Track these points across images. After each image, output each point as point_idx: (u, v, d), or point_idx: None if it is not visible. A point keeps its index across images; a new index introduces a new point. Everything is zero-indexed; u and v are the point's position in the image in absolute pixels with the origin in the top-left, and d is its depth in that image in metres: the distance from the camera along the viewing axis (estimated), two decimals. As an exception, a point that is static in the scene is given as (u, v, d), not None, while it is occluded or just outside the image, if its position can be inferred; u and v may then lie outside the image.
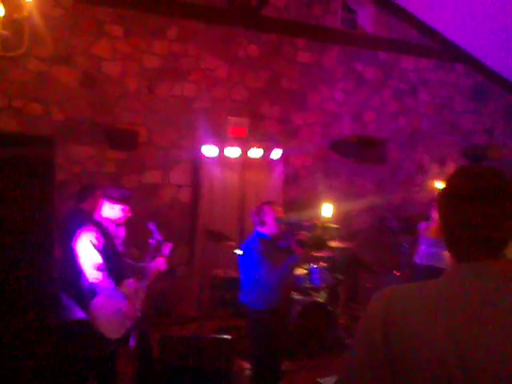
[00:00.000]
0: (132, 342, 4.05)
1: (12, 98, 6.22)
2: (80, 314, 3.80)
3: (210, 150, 7.17)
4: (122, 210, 4.26)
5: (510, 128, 10.22)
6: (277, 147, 7.65)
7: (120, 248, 4.34)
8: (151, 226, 4.53)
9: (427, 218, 6.77)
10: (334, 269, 6.73)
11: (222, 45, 7.47)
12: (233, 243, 6.66)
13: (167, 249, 4.55)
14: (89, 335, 3.72)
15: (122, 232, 4.40)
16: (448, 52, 9.27)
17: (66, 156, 6.49)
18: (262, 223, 4.51)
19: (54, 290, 3.58)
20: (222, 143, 7.25)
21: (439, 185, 9.25)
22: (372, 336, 1.55)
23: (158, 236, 4.43)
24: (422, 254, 6.69)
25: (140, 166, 7.00)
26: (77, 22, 6.50)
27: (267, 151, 7.56)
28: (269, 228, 4.51)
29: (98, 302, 4.05)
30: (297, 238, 4.50)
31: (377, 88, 8.79)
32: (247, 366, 5.72)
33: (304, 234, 4.67)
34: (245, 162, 7.53)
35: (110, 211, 4.24)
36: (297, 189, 8.15)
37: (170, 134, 7.16)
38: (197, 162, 7.28)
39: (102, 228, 4.18)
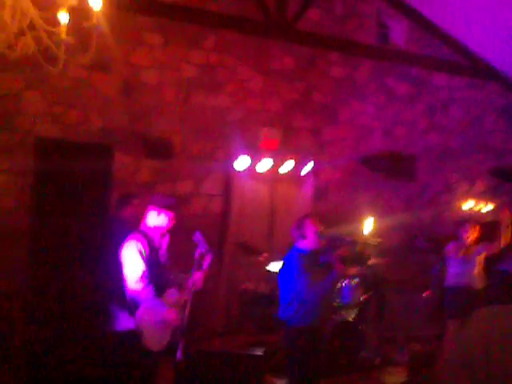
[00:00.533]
0: (179, 355, 4.01)
1: (52, 104, 6.24)
2: (129, 324, 3.78)
3: (242, 162, 7.15)
4: (168, 217, 4.23)
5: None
6: (308, 160, 7.62)
7: (163, 258, 4.31)
8: (197, 236, 4.46)
9: (456, 238, 6.70)
10: (364, 287, 6.66)
11: (257, 56, 7.48)
12: (264, 257, 6.63)
13: (206, 262, 4.49)
14: (134, 346, 3.70)
15: (165, 242, 4.37)
16: (480, 70, 9.20)
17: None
18: (303, 237, 4.45)
19: (106, 299, 3.57)
20: (254, 155, 7.22)
21: (468, 205, 9.18)
22: (473, 357, 1.50)
23: (202, 248, 4.36)
24: (452, 274, 6.61)
25: (173, 175, 6.99)
26: (117, 29, 6.51)
27: (298, 164, 7.52)
28: (309, 242, 4.46)
29: (140, 313, 4.02)
30: (338, 254, 4.45)
31: (408, 104, 8.75)
32: (278, 382, 5.68)
33: (345, 250, 4.61)
34: (276, 175, 7.51)
35: (157, 219, 4.22)
36: (326, 203, 8.10)
37: (204, 144, 7.16)
38: (229, 173, 7.26)
39: (147, 238, 4.16)
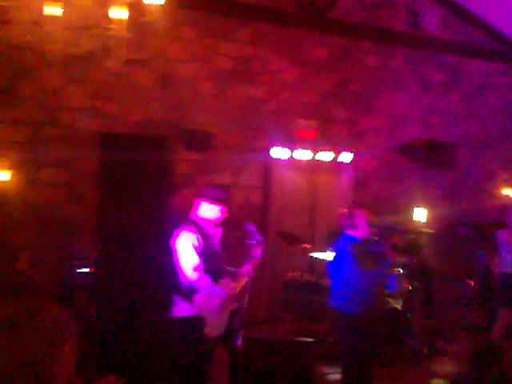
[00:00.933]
0: (239, 343, 4.00)
1: (93, 98, 6.32)
2: (188, 311, 3.80)
3: (279, 153, 7.14)
4: (221, 210, 4.22)
5: None
6: (345, 150, 7.57)
7: (217, 248, 4.30)
8: (250, 227, 4.44)
9: (505, 226, 6.53)
10: (410, 275, 6.55)
11: (291, 47, 7.48)
12: (308, 246, 6.59)
13: (258, 251, 4.45)
14: (195, 332, 3.70)
15: (219, 232, 4.37)
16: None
17: (141, 156, 6.54)
18: (354, 227, 4.43)
19: (166, 286, 3.58)
20: (291, 146, 7.21)
21: (508, 191, 9.00)
22: None
23: (255, 238, 4.35)
24: (504, 262, 6.42)
25: (212, 167, 7.01)
26: (154, 24, 6.59)
27: (336, 154, 7.48)
28: (360, 231, 4.44)
29: (199, 300, 4.02)
30: (390, 243, 4.41)
31: (444, 91, 8.65)
32: (326, 370, 5.60)
33: (398, 239, 4.57)
34: (314, 165, 7.47)
35: (209, 211, 4.21)
36: (365, 193, 8.02)
37: (242, 136, 7.17)
38: (267, 164, 7.25)
39: (199, 228, 4.16)
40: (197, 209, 4.27)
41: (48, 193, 6.11)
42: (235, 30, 7.09)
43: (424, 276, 7.15)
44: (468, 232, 8.05)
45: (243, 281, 4.31)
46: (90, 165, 6.27)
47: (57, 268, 5.82)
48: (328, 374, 5.58)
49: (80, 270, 5.61)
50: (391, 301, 6.38)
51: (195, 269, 4.02)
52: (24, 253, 5.80)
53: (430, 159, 8.35)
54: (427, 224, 7.20)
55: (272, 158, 7.17)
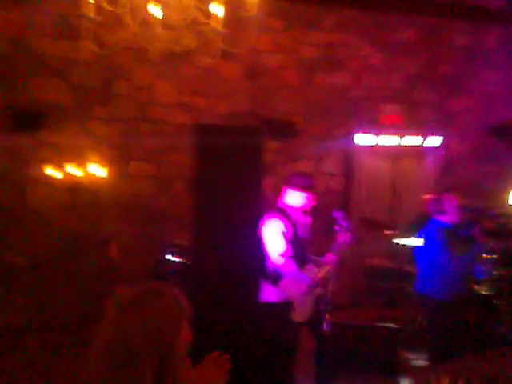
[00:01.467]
0: (326, 328, 4.18)
1: (182, 93, 6.66)
2: (274, 295, 4.02)
3: (363, 139, 7.17)
4: (307, 198, 4.34)
5: None
6: (432, 134, 7.45)
7: (305, 235, 4.45)
8: (337, 213, 4.48)
9: None
10: (500, 260, 6.44)
11: (377, 32, 7.39)
12: (392, 232, 6.64)
13: (345, 238, 4.46)
14: (283, 317, 3.93)
15: (308, 220, 4.50)
16: None
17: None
18: (442, 212, 4.43)
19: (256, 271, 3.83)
20: (376, 131, 7.21)
21: None
22: None
23: (345, 223, 4.40)
24: None
25: (295, 155, 7.18)
26: (245, 17, 6.75)
27: (423, 139, 7.39)
28: (449, 216, 4.43)
29: (283, 285, 4.22)
30: (481, 227, 4.37)
31: (542, 68, 8.19)
32: (410, 356, 5.73)
33: (489, 223, 4.52)
34: (398, 151, 7.44)
35: (296, 199, 4.34)
36: (452, 177, 7.88)
37: (325, 123, 7.26)
38: (350, 151, 7.32)
39: (286, 215, 4.31)
40: (284, 196, 4.42)
41: (139, 185, 6.57)
42: (320, 19, 7.11)
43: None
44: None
45: (327, 268, 4.42)
46: (178, 157, 6.67)
47: (147, 257, 6.30)
48: (411, 359, 5.70)
49: (169, 258, 6.07)
50: (480, 287, 6.34)
51: (282, 255, 4.19)
52: (115, 243, 6.29)
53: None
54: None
55: (356, 144, 7.21)
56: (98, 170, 6.18)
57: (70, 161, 6.14)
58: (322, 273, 4.42)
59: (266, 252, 4.27)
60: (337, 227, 4.50)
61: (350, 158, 7.32)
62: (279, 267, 4.23)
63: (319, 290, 4.37)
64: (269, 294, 4.29)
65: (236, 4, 3.33)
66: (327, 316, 4.35)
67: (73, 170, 6.08)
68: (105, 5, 3.24)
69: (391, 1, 7.29)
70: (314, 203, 4.44)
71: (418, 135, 7.36)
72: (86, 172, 6.18)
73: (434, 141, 7.46)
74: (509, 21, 7.90)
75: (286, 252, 4.20)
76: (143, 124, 6.52)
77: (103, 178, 6.23)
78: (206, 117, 6.76)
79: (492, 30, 7.88)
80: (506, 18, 7.88)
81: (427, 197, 7.00)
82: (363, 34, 7.32)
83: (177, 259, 6.04)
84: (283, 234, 4.22)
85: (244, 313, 3.78)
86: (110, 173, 6.29)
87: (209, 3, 3.34)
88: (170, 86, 6.62)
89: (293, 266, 4.23)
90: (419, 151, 7.53)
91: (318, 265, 4.48)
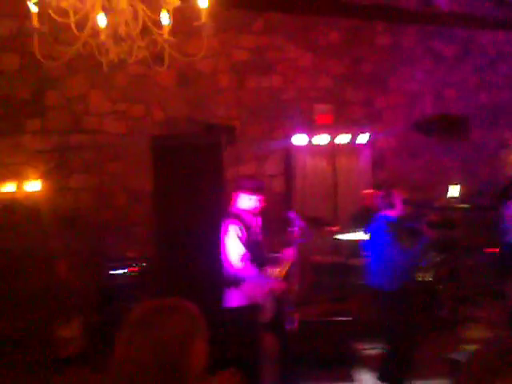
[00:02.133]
0: (289, 326, 4.21)
1: (117, 102, 6.49)
2: (239, 300, 3.99)
3: (299, 139, 7.29)
4: (259, 200, 4.40)
5: None
6: (362, 131, 7.70)
7: (259, 237, 4.49)
8: (291, 214, 4.62)
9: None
10: (437, 248, 6.75)
11: (304, 34, 7.57)
12: (335, 228, 6.79)
13: (298, 236, 4.60)
14: (249, 320, 3.90)
15: (259, 221, 4.55)
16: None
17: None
18: (392, 206, 4.59)
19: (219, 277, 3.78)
20: (310, 131, 7.36)
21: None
22: None
23: (299, 223, 4.52)
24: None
25: (235, 159, 7.17)
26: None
27: (354, 136, 7.62)
28: (397, 210, 4.60)
29: (246, 287, 4.22)
30: (427, 220, 4.57)
31: (456, 65, 8.72)
32: (362, 346, 5.85)
33: (434, 216, 4.74)
34: (333, 149, 7.63)
35: (248, 202, 4.39)
36: (384, 172, 8.19)
37: (262, 126, 7.33)
38: (288, 152, 7.42)
39: (241, 219, 4.34)
40: (236, 201, 4.46)
41: (80, 198, 6.32)
42: (249, 22, 7.18)
43: (451, 247, 7.35)
44: (488, 202, 8.19)
45: (286, 266, 4.49)
46: (119, 167, 6.49)
47: (95, 272, 6.06)
48: (363, 350, 5.81)
49: (119, 271, 5.88)
50: (423, 274, 6.60)
51: (241, 259, 4.23)
52: (63, 260, 6.03)
53: (445, 133, 8.47)
54: (460, 199, 7.37)
55: (293, 144, 7.32)
56: (36, 186, 5.88)
57: (6, 178, 5.80)
58: (283, 271, 4.47)
59: (227, 257, 4.29)
60: (295, 227, 4.61)
61: (289, 159, 7.42)
62: (240, 271, 4.26)
63: (280, 291, 4.39)
64: (233, 298, 4.31)
65: (186, 13, 3.31)
66: (295, 314, 4.37)
67: (10, 187, 5.74)
68: (52, 15, 3.10)
69: (315, 4, 7.50)
70: (264, 205, 4.50)
71: (349, 133, 7.57)
72: (22, 189, 5.85)
73: (365, 138, 7.71)
74: (423, 20, 8.36)
75: (244, 256, 4.24)
76: (79, 135, 6.28)
77: (42, 194, 5.93)
78: (143, 125, 6.63)
79: (409, 29, 8.29)
80: (420, 18, 8.34)
81: (368, 192, 7.25)
82: (291, 37, 7.47)
83: (127, 272, 5.87)
84: (240, 238, 4.25)
85: (209, 319, 3.72)
86: (49, 187, 6.00)
87: (159, 12, 3.28)
88: (103, 94, 6.42)
89: (253, 269, 4.28)
90: (352, 148, 7.76)
91: (277, 264, 4.52)
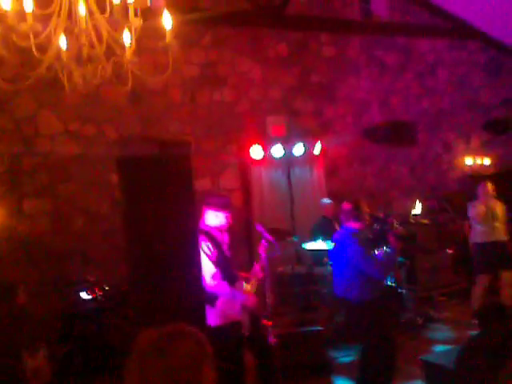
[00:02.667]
0: (272, 340, 4.16)
1: (68, 122, 6.29)
2: (215, 318, 3.92)
3: (255, 152, 7.28)
4: (226, 216, 4.36)
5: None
6: (315, 141, 7.79)
7: (227, 253, 4.44)
8: (259, 227, 4.60)
9: (473, 198, 6.87)
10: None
11: (253, 47, 7.61)
12: (292, 238, 6.80)
13: (264, 250, 4.57)
14: (233, 337, 3.83)
15: (226, 238, 4.50)
16: (460, 30, 9.50)
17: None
18: (357, 218, 4.62)
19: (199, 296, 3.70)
20: (265, 143, 7.37)
21: (467, 161, 9.48)
22: None
23: (268, 236, 4.52)
24: (478, 232, 6.72)
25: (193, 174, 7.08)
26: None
27: (307, 146, 7.67)
28: (361, 223, 4.64)
29: (220, 305, 4.16)
30: (394, 232, 4.64)
31: (399, 72, 8.99)
32: (334, 355, 5.86)
33: (401, 229, 4.81)
34: (288, 160, 7.67)
35: (215, 219, 4.34)
36: (337, 181, 8.31)
37: (216, 140, 7.29)
38: (244, 165, 7.41)
39: (211, 237, 4.28)
40: (205, 218, 4.40)
41: (35, 223, 6.07)
42: (198, 37, 7.15)
43: (408, 251, 7.51)
44: (439, 204, 8.45)
45: (256, 281, 4.44)
46: (73, 189, 6.29)
47: (56, 298, 5.83)
48: (338, 358, 5.82)
49: (82, 296, 5.66)
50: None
51: (213, 277, 4.17)
52: (22, 287, 5.77)
53: (394, 139, 8.70)
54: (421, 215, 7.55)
55: (248, 158, 7.32)
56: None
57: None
58: (254, 286, 4.43)
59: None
60: (263, 241, 4.59)
61: (245, 172, 7.40)
62: (212, 289, 4.19)
63: (253, 306, 4.34)
64: (209, 317, 4.23)
65: (149, 33, 3.27)
66: (271, 328, 4.34)
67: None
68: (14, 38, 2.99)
69: (261, 17, 7.56)
70: (231, 221, 4.47)
71: (302, 143, 7.62)
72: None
73: (318, 147, 7.79)
74: (365, 30, 8.59)
75: (215, 274, 4.18)
76: (31, 157, 6.04)
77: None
78: (96, 144, 6.45)
79: (353, 40, 8.49)
80: (362, 28, 8.56)
81: (328, 203, 7.34)
82: (240, 50, 7.49)
83: (90, 297, 5.66)
84: (210, 255, 4.20)
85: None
86: (1, 213, 5.73)
87: (121, 32, 3.22)
88: (54, 115, 6.21)
89: (225, 287, 4.22)
90: (307, 159, 7.83)
91: (247, 279, 4.49)
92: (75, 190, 6.25)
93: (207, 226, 4.38)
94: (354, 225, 4.69)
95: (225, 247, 4.46)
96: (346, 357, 5.74)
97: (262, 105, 7.65)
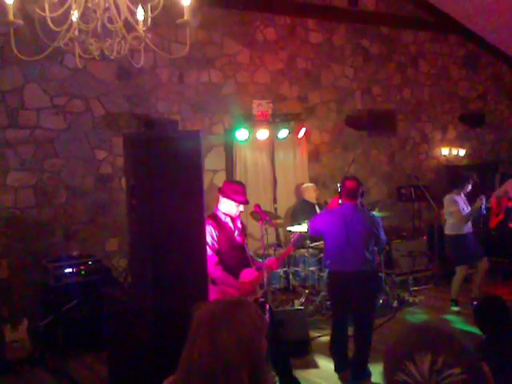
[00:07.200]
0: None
1: (54, 96, 6.22)
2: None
3: (240, 134, 7.33)
4: (238, 205, 4.42)
5: (501, 93, 10.77)
6: (299, 126, 7.88)
7: (240, 239, 4.49)
8: (256, 208, 4.65)
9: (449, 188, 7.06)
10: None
11: (241, 30, 7.62)
12: (278, 221, 6.90)
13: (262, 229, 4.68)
14: None
15: (238, 225, 4.55)
16: (442, 23, 9.66)
17: (108, 150, 6.57)
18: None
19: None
20: (251, 126, 7.42)
21: (444, 151, 9.70)
22: None
23: (264, 216, 4.58)
24: (452, 224, 6.86)
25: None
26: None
27: (291, 131, 7.76)
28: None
29: (220, 288, 4.23)
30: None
31: (382, 62, 9.12)
32: (316, 334, 6.00)
33: None
34: (272, 143, 7.76)
35: (229, 208, 4.40)
36: (319, 166, 8.43)
37: (203, 121, 7.30)
38: (230, 147, 7.45)
39: (219, 222, 4.33)
40: (218, 204, 4.48)
41: (20, 196, 6.02)
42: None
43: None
44: (413, 192, 8.63)
45: (267, 273, 4.45)
46: (59, 164, 6.24)
47: (39, 272, 5.81)
48: (319, 337, 5.96)
49: (65, 271, 5.66)
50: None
51: (214, 262, 4.23)
52: (4, 260, 5.74)
53: (374, 127, 8.85)
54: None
55: (233, 139, 7.36)
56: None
57: None
58: (259, 277, 4.46)
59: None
60: (260, 221, 4.67)
61: (230, 154, 7.44)
62: (212, 274, 4.25)
63: (252, 294, 4.39)
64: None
65: (168, 10, 3.30)
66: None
67: None
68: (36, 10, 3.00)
69: (251, 0, 7.58)
70: (242, 211, 4.54)
71: (286, 127, 7.70)
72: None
73: (302, 132, 7.88)
74: (352, 18, 8.67)
75: (211, 257, 4.22)
76: (16, 130, 5.97)
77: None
78: (82, 119, 6.41)
79: (339, 27, 8.57)
80: (349, 16, 8.65)
81: (311, 186, 7.45)
82: (229, 33, 7.49)
83: (73, 271, 5.67)
84: (212, 238, 4.24)
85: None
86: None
87: (136, 10, 3.26)
88: (40, 88, 6.14)
89: (220, 273, 4.27)
90: (290, 143, 7.93)
91: (258, 268, 4.53)
92: (60, 164, 6.20)
93: (220, 211, 4.43)
94: (360, 200, 4.83)
95: (236, 234, 4.49)
96: (324, 336, 5.87)
97: (249, 88, 7.69)
